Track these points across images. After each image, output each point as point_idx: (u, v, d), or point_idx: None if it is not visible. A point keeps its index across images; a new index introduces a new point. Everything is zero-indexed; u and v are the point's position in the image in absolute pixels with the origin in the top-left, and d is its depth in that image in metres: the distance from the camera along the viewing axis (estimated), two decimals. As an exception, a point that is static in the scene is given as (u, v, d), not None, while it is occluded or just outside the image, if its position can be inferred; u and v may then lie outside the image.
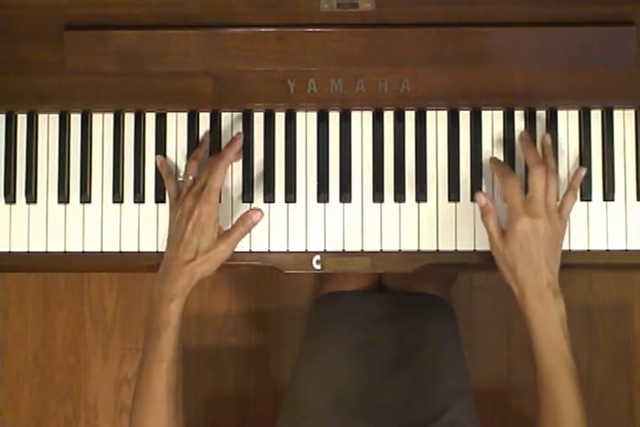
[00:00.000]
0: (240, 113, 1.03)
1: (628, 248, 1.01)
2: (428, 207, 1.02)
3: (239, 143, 1.00)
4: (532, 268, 0.92)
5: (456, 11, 0.98)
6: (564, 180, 1.01)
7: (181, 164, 1.03)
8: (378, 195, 1.01)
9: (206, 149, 1.02)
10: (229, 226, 0.99)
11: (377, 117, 1.02)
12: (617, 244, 1.01)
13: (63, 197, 1.02)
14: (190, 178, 0.97)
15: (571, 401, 0.90)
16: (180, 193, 0.98)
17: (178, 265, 0.93)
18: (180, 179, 0.99)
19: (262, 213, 0.96)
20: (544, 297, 0.91)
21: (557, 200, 0.97)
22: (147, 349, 0.92)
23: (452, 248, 1.01)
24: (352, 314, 1.18)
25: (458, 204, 1.02)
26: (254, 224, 0.96)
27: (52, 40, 0.99)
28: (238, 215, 1.00)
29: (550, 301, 0.92)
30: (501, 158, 1.01)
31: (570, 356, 0.91)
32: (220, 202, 1.01)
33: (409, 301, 1.22)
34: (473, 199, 1.01)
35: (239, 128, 1.03)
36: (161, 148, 1.03)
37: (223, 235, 0.95)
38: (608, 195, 1.01)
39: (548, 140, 1.00)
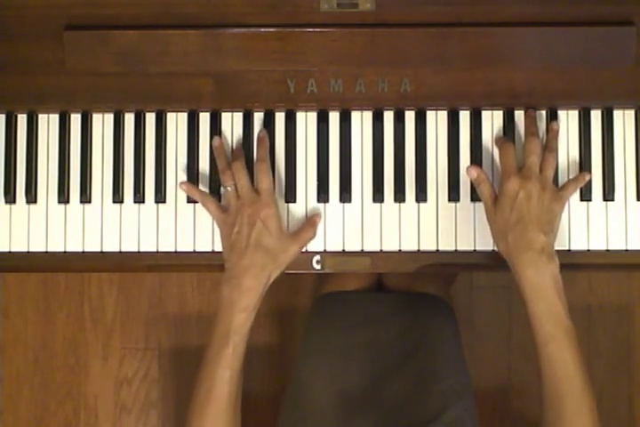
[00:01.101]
0: (240, 113, 1.03)
1: (628, 248, 1.01)
2: (427, 207, 1.02)
3: (267, 141, 1.01)
4: (522, 228, 0.92)
5: (456, 11, 0.98)
6: (563, 180, 1.01)
7: (181, 164, 1.03)
8: (378, 195, 1.01)
9: (226, 154, 1.01)
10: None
11: (377, 117, 1.02)
12: (617, 244, 1.01)
13: (63, 197, 1.02)
14: (229, 189, 0.98)
15: (571, 365, 0.88)
16: (223, 207, 0.98)
17: (252, 273, 0.94)
18: (226, 190, 0.98)
19: (321, 217, 1.01)
20: (537, 262, 0.91)
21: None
22: (211, 354, 0.92)
23: (452, 248, 1.01)
24: (352, 314, 1.18)
25: (458, 204, 1.02)
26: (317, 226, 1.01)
27: (52, 40, 0.99)
28: (238, 215, 1.01)
29: (543, 265, 0.91)
30: (501, 158, 1.02)
31: (567, 319, 0.90)
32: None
33: (409, 301, 1.22)
34: (473, 199, 1.01)
35: (239, 128, 1.03)
36: (161, 148, 1.03)
37: (294, 237, 0.97)
38: (608, 195, 1.01)
39: (556, 126, 1.00)
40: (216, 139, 1.01)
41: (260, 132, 1.02)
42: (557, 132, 1.00)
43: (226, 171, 0.99)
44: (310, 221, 1.00)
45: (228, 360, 0.91)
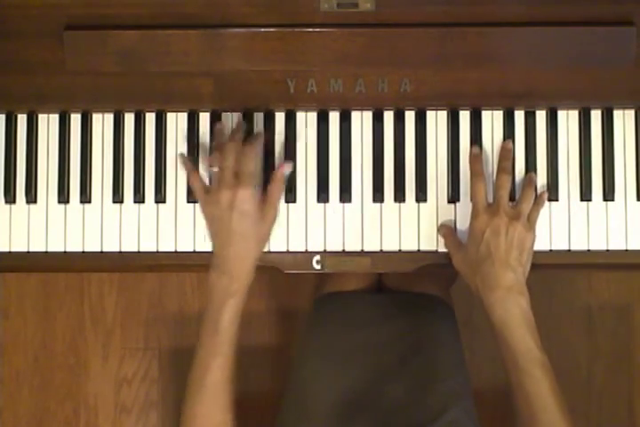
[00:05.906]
0: (240, 113, 1.03)
1: (628, 248, 1.01)
2: (427, 207, 1.02)
3: (262, 136, 1.00)
4: (488, 266, 0.93)
5: (456, 11, 0.98)
6: (563, 180, 1.01)
7: (182, 164, 1.03)
8: (378, 195, 1.01)
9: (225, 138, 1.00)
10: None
11: (377, 117, 1.02)
12: (617, 244, 1.01)
13: (63, 197, 1.02)
14: (215, 169, 0.96)
15: (548, 398, 0.89)
16: (208, 188, 0.98)
17: (238, 259, 0.93)
18: (212, 170, 0.97)
19: (291, 165, 0.99)
20: (504, 300, 0.91)
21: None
22: (203, 342, 0.93)
23: (452, 248, 1.01)
24: (352, 314, 1.18)
25: (458, 204, 1.02)
26: (285, 176, 0.97)
27: (52, 40, 0.99)
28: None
29: (512, 302, 0.91)
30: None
31: (539, 352, 0.90)
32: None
33: (409, 301, 1.22)
34: (473, 199, 1.01)
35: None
36: (161, 148, 1.03)
37: (267, 203, 0.95)
38: (608, 195, 1.01)
39: (509, 145, 1.00)
40: (219, 123, 1.01)
41: (259, 134, 1.01)
42: (509, 151, 1.00)
43: (217, 152, 0.97)
44: (276, 177, 0.97)
45: (218, 347, 0.92)
